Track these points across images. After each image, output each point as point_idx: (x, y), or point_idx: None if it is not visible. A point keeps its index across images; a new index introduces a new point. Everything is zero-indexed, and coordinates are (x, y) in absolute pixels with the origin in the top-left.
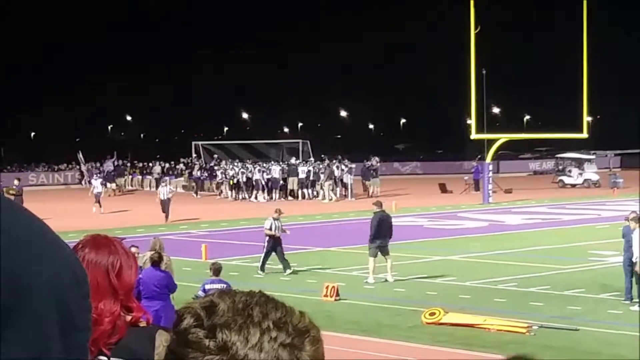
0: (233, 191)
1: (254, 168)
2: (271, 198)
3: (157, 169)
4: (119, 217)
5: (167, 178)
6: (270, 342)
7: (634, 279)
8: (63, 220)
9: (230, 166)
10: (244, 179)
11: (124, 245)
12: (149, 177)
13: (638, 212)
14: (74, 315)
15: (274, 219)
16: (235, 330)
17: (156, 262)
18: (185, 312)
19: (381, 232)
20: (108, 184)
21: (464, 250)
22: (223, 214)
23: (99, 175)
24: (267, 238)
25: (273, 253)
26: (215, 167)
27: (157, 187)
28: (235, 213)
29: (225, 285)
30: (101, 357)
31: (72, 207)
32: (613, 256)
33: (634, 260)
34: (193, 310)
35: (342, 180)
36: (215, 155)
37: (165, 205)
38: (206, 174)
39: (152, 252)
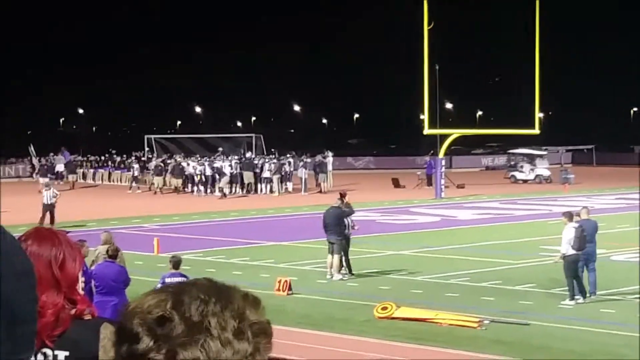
0: (201, 186)
1: (210, 162)
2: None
3: (136, 165)
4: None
5: (49, 181)
6: (234, 356)
7: (585, 273)
8: (17, 214)
9: (196, 161)
10: (209, 173)
11: (68, 237)
12: (101, 170)
13: (580, 209)
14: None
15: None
16: (196, 348)
17: (112, 257)
18: (138, 326)
19: (327, 227)
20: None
21: (416, 245)
22: (174, 208)
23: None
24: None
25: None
26: (170, 162)
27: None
28: (187, 207)
29: (184, 279)
30: (45, 350)
31: (24, 200)
32: None
33: (561, 254)
34: (146, 324)
35: (288, 175)
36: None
37: (47, 209)
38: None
39: (108, 246)
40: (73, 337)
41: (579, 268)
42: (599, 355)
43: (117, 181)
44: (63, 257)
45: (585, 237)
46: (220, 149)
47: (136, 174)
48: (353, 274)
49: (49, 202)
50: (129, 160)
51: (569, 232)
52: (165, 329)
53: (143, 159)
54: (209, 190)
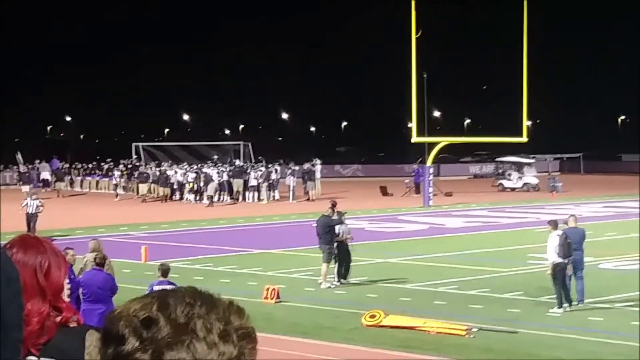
0: (192, 194)
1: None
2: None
3: (117, 173)
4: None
5: (35, 190)
6: (219, 358)
7: (573, 281)
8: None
9: (183, 169)
10: (200, 182)
11: (53, 245)
12: (88, 178)
13: (568, 217)
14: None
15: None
16: (182, 349)
17: (100, 265)
18: (124, 328)
19: (318, 235)
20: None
21: (405, 253)
22: (162, 216)
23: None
24: (335, 245)
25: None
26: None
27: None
28: (175, 215)
29: (172, 287)
30: (30, 358)
31: (8, 208)
32: None
33: (550, 262)
34: (132, 325)
35: (275, 183)
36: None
37: (30, 219)
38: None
39: (96, 254)
40: (59, 344)
41: (566, 276)
42: None
43: (105, 189)
44: (48, 265)
45: (570, 245)
46: (216, 156)
47: (116, 181)
48: (342, 282)
49: (33, 212)
50: (117, 168)
51: (554, 240)
52: (151, 331)
53: (129, 166)
54: (197, 198)
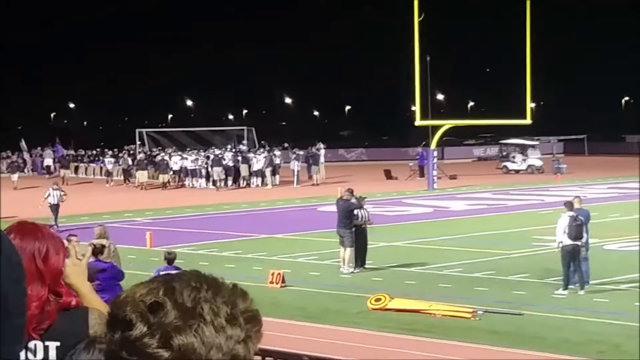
0: (202, 179)
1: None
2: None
3: (109, 159)
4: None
5: (62, 176)
6: (227, 341)
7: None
8: (12, 208)
9: (191, 155)
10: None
11: (51, 231)
12: (92, 165)
13: (573, 198)
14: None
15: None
16: (190, 333)
17: (97, 253)
18: (131, 313)
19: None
20: (62, 171)
21: (409, 236)
22: (167, 202)
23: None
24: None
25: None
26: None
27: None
28: (180, 200)
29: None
30: (34, 342)
31: (17, 195)
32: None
33: (557, 243)
34: (139, 310)
35: (278, 167)
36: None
37: (55, 210)
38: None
39: (97, 241)
40: (62, 327)
41: (582, 258)
42: (593, 345)
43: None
44: (46, 250)
45: (580, 227)
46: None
47: (109, 167)
48: (364, 268)
49: (56, 202)
50: (122, 154)
51: (564, 221)
52: (158, 315)
53: (133, 152)
54: (208, 183)
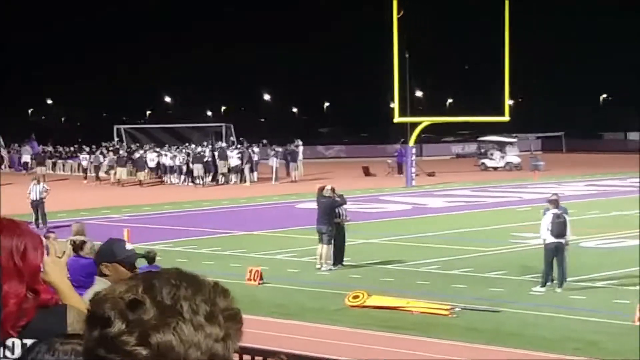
0: (182, 175)
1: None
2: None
3: (84, 156)
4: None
5: (39, 173)
6: (206, 340)
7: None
8: None
9: (168, 152)
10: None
11: (29, 227)
12: (70, 161)
13: (551, 196)
14: None
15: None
16: (168, 331)
17: (78, 250)
18: (109, 310)
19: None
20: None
21: (387, 233)
22: (145, 199)
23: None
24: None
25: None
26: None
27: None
28: (158, 197)
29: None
30: (12, 340)
31: None
32: (534, 238)
33: (543, 240)
34: (118, 308)
35: (255, 164)
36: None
37: (36, 206)
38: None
39: (72, 238)
40: (40, 324)
41: (564, 256)
42: (570, 342)
43: (88, 172)
44: (25, 247)
45: (563, 224)
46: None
47: (84, 164)
48: (342, 265)
49: (38, 198)
50: (95, 150)
51: (547, 218)
52: (137, 313)
53: (111, 149)
54: (189, 180)
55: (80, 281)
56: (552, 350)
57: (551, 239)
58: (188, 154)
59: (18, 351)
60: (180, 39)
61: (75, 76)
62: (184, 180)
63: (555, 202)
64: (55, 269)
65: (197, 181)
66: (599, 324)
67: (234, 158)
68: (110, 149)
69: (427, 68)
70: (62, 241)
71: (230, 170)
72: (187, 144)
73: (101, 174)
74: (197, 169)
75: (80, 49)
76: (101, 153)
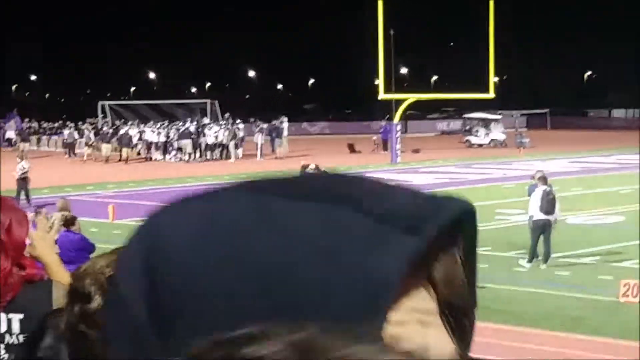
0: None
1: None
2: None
3: (67, 131)
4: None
5: (22, 149)
6: None
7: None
8: None
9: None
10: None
11: (14, 202)
12: (54, 137)
13: (535, 173)
14: None
15: None
16: None
17: (68, 225)
18: (90, 286)
19: None
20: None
21: None
22: (130, 175)
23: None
24: None
25: None
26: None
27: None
28: (143, 174)
29: None
30: None
31: None
32: (519, 215)
33: (530, 216)
34: (98, 283)
35: (242, 140)
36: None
37: (21, 185)
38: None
39: (63, 213)
40: (25, 300)
41: (548, 232)
42: (554, 318)
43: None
44: (9, 222)
45: (552, 201)
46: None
47: (67, 139)
48: None
49: (19, 176)
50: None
51: (537, 194)
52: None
53: (92, 128)
54: (174, 156)
55: (71, 257)
56: (537, 326)
57: (540, 216)
58: (177, 130)
59: (4, 326)
60: (165, 16)
61: (59, 52)
62: (174, 155)
63: (543, 179)
64: (43, 244)
65: (185, 157)
66: (583, 300)
67: (218, 134)
68: (91, 127)
69: (412, 45)
70: (57, 214)
71: (215, 146)
72: (171, 121)
73: (78, 150)
74: (184, 144)
75: (64, 25)
76: (77, 129)
